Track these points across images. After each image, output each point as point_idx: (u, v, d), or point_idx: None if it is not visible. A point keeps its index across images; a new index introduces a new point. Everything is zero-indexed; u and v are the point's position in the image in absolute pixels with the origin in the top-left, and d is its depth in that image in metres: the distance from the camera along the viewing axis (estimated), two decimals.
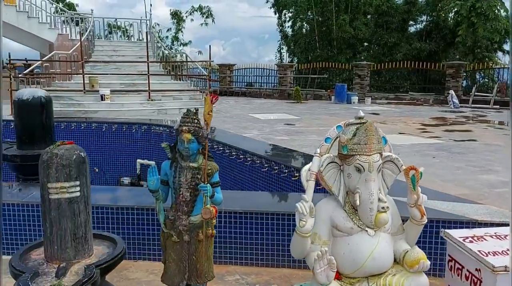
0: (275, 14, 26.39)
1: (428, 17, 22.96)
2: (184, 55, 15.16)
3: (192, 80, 14.15)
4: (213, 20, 31.08)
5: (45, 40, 14.95)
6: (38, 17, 14.90)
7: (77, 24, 16.67)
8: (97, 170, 7.06)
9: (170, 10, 33.99)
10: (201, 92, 13.53)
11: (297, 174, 4.01)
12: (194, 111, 2.17)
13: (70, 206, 2.21)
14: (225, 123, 10.04)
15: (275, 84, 21.70)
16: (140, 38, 19.96)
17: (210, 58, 12.73)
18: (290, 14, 25.55)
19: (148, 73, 12.62)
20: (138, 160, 7.09)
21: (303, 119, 11.38)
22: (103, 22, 18.57)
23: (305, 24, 24.26)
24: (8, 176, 7.19)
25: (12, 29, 14.49)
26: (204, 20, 31.14)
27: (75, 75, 13.87)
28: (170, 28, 33.66)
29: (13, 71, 16.17)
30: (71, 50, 13.72)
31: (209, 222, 2.12)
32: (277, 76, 21.46)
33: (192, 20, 32.72)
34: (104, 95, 12.21)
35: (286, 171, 4.12)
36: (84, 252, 2.29)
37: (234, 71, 21.47)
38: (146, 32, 14.55)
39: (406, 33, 22.79)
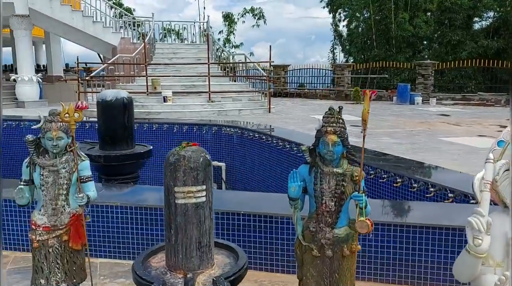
0: (330, 13, 25.91)
1: (495, 13, 21.58)
2: (243, 56, 15.06)
3: (250, 81, 14.05)
4: (264, 22, 31.10)
5: (109, 43, 15.43)
6: (103, 22, 15.41)
7: (137, 27, 17.07)
8: None
9: (222, 12, 34.40)
10: (259, 93, 13.39)
11: (399, 180, 3.70)
12: (338, 110, 1.94)
13: (196, 212, 2.06)
14: (289, 125, 9.81)
15: (329, 84, 21.31)
16: (194, 40, 20.22)
17: (270, 59, 12.57)
18: (345, 13, 24.97)
19: (209, 74, 12.65)
20: None
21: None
22: (161, 25, 18.94)
23: (362, 23, 23.60)
24: None
25: (78, 33, 15.09)
26: (256, 22, 31.24)
27: (138, 78, 14.21)
28: (222, 31, 34.08)
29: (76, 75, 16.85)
30: (134, 53, 14.06)
31: (355, 235, 1.89)
32: (330, 76, 21.06)
33: (243, 22, 32.95)
34: (166, 97, 12.38)
35: (385, 176, 3.82)
36: (207, 261, 2.13)
37: (288, 71, 21.24)
38: (207, 34, 14.62)
39: (471, 31, 21.54)
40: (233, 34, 32.52)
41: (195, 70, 14.86)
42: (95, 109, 10.74)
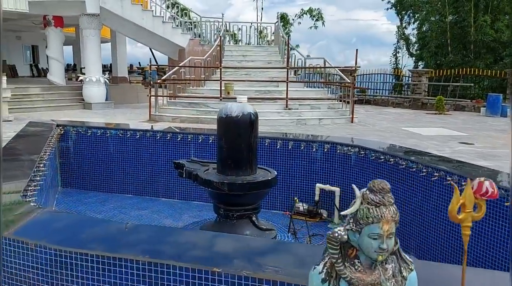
0: (398, 15, 24.42)
1: None
2: (314, 60, 14.00)
3: (329, 88, 12.98)
4: (323, 23, 29.92)
5: (177, 45, 14.83)
6: (172, 22, 14.84)
7: (189, 30, 16.24)
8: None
9: (277, 13, 33.39)
10: (340, 101, 12.31)
11: None
12: None
13: None
14: (387, 140, 8.69)
15: (390, 91, 20.06)
16: (249, 42, 19.42)
17: (356, 64, 11.47)
18: (415, 16, 23.39)
19: (287, 80, 11.72)
20: (318, 185, 5.87)
21: (474, 137, 9.60)
22: (214, 26, 17.74)
23: (435, 26, 21.95)
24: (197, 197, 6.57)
25: (146, 33, 14.57)
26: (314, 23, 30.13)
27: (208, 82, 13.51)
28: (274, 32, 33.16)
29: (160, 75, 16.37)
30: (206, 56, 13.36)
31: None
32: (392, 82, 19.88)
33: (299, 23, 31.94)
34: (242, 103, 11.54)
35: None
36: None
37: (357, 77, 19.96)
38: (282, 36, 13.72)
39: None
40: (289, 35, 31.51)
41: (266, 74, 14.01)
42: (179, 115, 9.87)
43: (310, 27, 30.45)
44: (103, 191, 7.46)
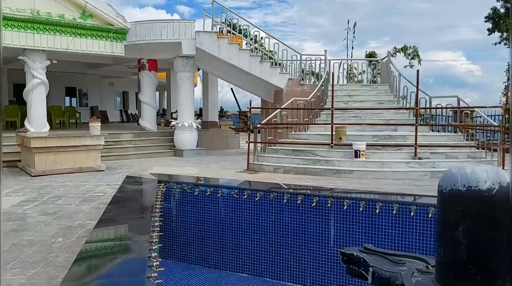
0: None
1: None
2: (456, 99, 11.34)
3: (465, 132, 10.63)
4: (419, 62, 27.54)
5: (274, 85, 13.50)
6: (270, 61, 13.61)
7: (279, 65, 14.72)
8: None
9: (366, 52, 31.76)
10: (483, 148, 9.89)
11: None
12: None
13: None
14: None
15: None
16: (339, 81, 17.68)
17: (507, 102, 9.12)
18: None
19: (416, 123, 9.65)
20: None
21: None
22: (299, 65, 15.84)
23: None
24: None
25: (242, 75, 13.45)
26: (409, 62, 27.87)
27: (311, 126, 11.85)
28: (365, 71, 31.35)
29: (242, 120, 15.19)
30: (310, 96, 11.80)
31: None
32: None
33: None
34: (359, 150, 9.64)
35: None
36: None
37: (475, 119, 17.20)
38: (395, 72, 11.79)
39: None
40: (380, 75, 29.49)
41: (378, 116, 12.07)
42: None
43: (405, 66, 28.15)
44: (211, 266, 5.80)
